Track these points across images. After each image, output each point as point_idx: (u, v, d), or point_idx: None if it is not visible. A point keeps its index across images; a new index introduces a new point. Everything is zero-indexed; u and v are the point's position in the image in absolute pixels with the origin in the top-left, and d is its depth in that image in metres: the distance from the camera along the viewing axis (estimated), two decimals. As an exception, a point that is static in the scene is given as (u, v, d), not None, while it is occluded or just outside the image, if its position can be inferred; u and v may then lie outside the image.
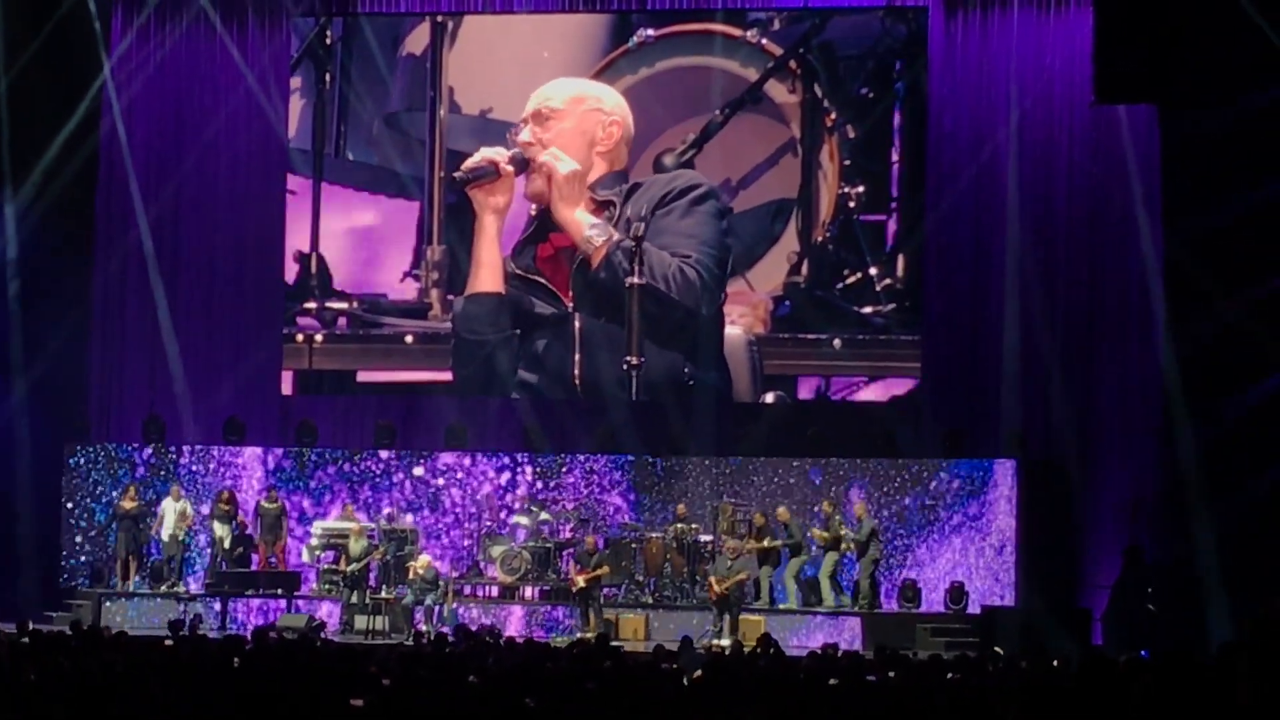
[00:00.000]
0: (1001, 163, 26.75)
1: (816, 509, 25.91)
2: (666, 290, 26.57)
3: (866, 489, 26.23)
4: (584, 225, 26.83)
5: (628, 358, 26.65)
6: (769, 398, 27.52)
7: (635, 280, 26.30)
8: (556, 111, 27.23)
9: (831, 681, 13.51)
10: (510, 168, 27.06)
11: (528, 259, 27.39)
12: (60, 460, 27.17)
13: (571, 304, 27.13)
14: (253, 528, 26.70)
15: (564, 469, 27.12)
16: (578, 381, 27.16)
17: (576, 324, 27.09)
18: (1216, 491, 23.98)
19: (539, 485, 27.06)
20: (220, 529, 26.41)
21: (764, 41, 27.86)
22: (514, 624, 25.14)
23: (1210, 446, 24.11)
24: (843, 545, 25.33)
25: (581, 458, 27.14)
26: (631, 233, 26.36)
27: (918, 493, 26.20)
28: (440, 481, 27.32)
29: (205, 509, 26.82)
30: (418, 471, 27.19)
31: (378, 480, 27.37)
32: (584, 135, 27.22)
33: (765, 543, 25.32)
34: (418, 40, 28.70)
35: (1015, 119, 26.71)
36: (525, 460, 27.20)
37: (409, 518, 26.88)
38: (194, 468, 27.43)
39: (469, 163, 27.10)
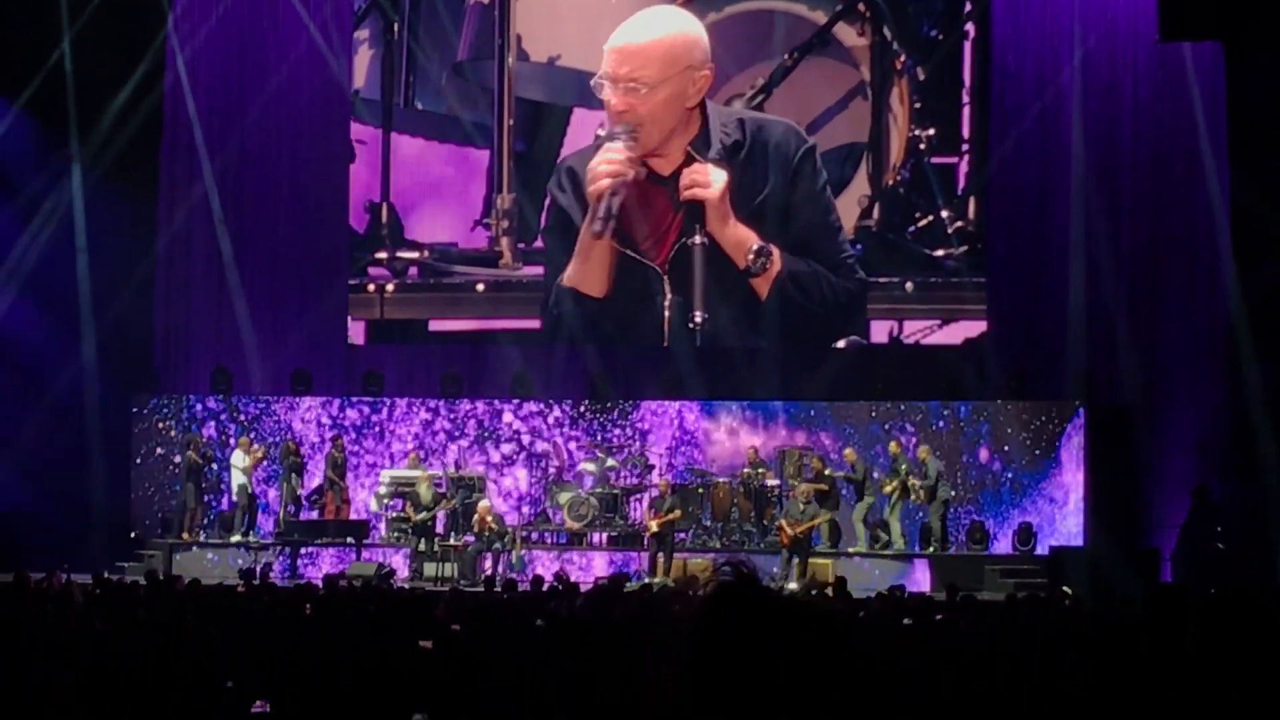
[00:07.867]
0: (1066, 103, 26.55)
1: (880, 451, 25.90)
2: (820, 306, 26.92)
3: (929, 433, 26.17)
4: (746, 246, 26.68)
5: (694, 313, 26.85)
6: (840, 343, 27.40)
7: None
8: (652, 84, 26.55)
9: (906, 621, 13.54)
10: (637, 170, 26.69)
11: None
12: (128, 413, 27.31)
13: (665, 270, 27.06)
14: (321, 476, 26.84)
15: (630, 415, 27.15)
16: (666, 341, 27.22)
17: (667, 289, 27.08)
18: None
19: (605, 431, 27.12)
20: (290, 479, 26.51)
21: (832, -17, 27.65)
22: (584, 570, 25.24)
23: (1278, 386, 23.99)
24: (911, 495, 25.29)
25: (649, 404, 27.16)
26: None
27: (984, 435, 26.14)
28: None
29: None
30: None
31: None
32: (679, 99, 26.71)
33: (822, 485, 25.32)
34: (486, -12, 28.58)
35: (1079, 58, 26.48)
36: (589, 406, 27.28)
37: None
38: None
39: (600, 212, 26.50)
